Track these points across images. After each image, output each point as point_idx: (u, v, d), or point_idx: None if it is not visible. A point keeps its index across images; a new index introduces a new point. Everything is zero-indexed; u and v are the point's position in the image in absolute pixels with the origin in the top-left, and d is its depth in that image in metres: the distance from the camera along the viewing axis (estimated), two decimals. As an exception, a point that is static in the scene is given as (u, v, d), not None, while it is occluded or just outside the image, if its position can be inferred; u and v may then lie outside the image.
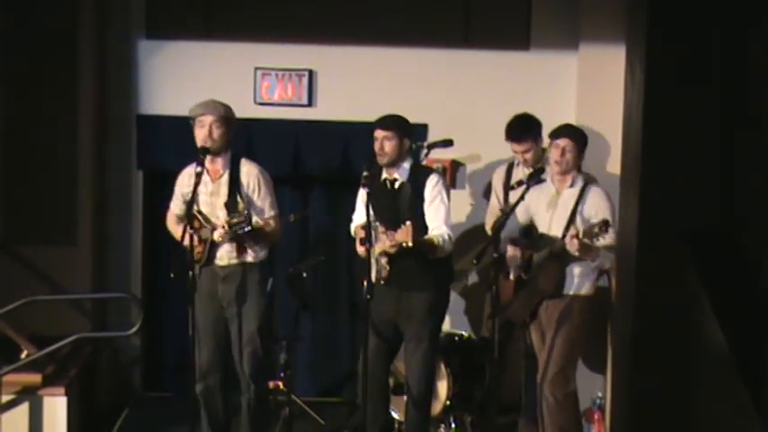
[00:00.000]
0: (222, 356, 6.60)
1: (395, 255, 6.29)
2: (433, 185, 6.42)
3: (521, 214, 6.59)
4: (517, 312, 6.53)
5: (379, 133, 6.40)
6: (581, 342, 6.49)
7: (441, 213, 6.39)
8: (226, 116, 6.38)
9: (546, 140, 6.85)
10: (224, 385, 6.64)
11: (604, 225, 6.14)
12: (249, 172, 6.48)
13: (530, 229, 6.55)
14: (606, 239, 6.26)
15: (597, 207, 6.40)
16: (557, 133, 6.56)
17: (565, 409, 6.49)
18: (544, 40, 7.69)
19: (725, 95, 5.74)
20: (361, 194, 6.59)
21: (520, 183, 7.05)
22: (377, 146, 6.40)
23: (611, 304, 6.71)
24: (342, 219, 6.91)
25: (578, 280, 6.46)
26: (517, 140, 7.08)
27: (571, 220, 6.40)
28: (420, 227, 6.26)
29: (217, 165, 6.48)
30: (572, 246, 6.27)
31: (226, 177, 6.48)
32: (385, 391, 6.66)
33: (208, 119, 6.37)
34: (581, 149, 6.51)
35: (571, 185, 6.48)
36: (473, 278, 7.86)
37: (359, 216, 6.63)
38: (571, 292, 6.45)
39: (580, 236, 6.19)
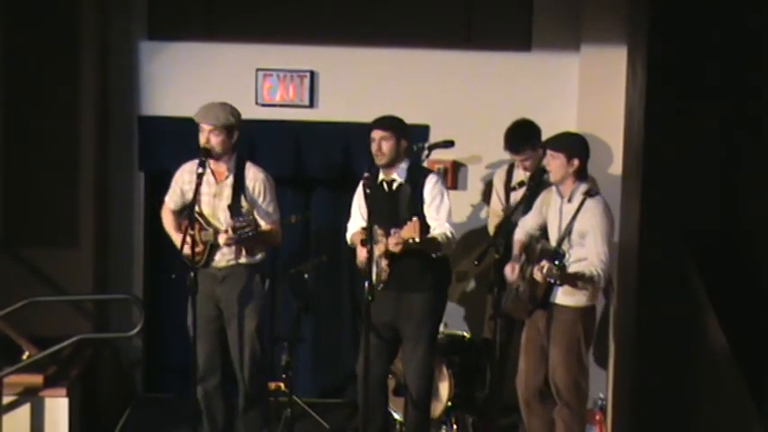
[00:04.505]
0: (219, 358, 6.60)
1: (397, 255, 6.28)
2: (432, 185, 6.42)
3: (534, 214, 6.54)
4: (515, 308, 6.49)
5: (376, 134, 6.41)
6: (585, 351, 6.40)
7: (442, 212, 6.39)
8: (224, 124, 6.37)
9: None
10: (223, 387, 6.64)
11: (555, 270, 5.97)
12: (255, 177, 6.49)
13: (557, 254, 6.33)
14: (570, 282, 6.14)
15: (589, 224, 6.19)
16: (543, 144, 6.49)
17: (580, 416, 6.45)
18: (546, 41, 7.68)
19: (725, 96, 5.74)
20: (357, 199, 6.61)
21: (521, 184, 7.05)
22: (374, 147, 6.40)
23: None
24: (343, 220, 6.91)
25: (571, 291, 6.27)
26: (515, 151, 7.08)
27: (563, 238, 6.28)
28: (422, 227, 6.26)
29: (221, 167, 6.49)
30: (536, 276, 6.11)
31: (230, 180, 6.48)
32: (383, 392, 6.66)
33: (206, 127, 6.39)
34: (569, 159, 6.24)
35: (570, 200, 6.31)
36: (473, 279, 7.87)
37: (354, 224, 6.64)
38: (567, 303, 6.30)
39: (544, 271, 5.98)
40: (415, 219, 6.12)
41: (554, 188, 6.40)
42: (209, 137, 6.38)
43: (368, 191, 6.30)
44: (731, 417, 4.91)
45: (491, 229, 7.29)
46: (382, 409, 6.65)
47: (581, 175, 6.33)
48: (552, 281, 6.06)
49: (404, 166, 6.47)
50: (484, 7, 7.68)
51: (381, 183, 6.49)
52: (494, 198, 7.43)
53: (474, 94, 7.77)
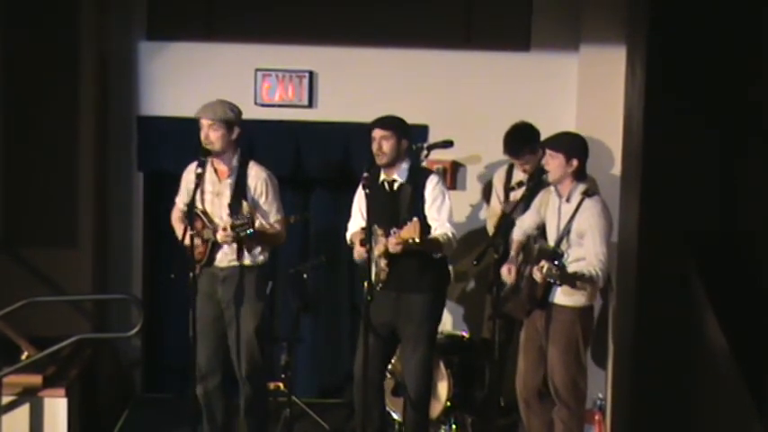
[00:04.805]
0: (220, 358, 6.60)
1: (397, 255, 6.28)
2: (433, 186, 6.42)
3: (533, 214, 6.54)
4: (514, 308, 6.49)
5: (377, 133, 6.41)
6: (583, 351, 6.40)
7: (443, 212, 6.40)
8: (223, 119, 6.38)
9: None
10: (223, 387, 6.64)
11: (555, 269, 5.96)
12: (257, 175, 6.49)
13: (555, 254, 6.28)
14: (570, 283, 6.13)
15: (587, 224, 6.20)
16: (542, 143, 6.49)
17: (578, 416, 6.46)
18: (545, 41, 7.69)
19: (725, 96, 5.74)
20: (357, 199, 6.60)
21: (520, 184, 7.05)
22: (375, 146, 6.40)
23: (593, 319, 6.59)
24: (342, 220, 6.91)
25: (570, 292, 6.27)
26: (515, 155, 7.09)
27: (562, 238, 6.27)
28: (423, 228, 6.26)
29: (224, 165, 6.49)
30: (535, 276, 6.10)
31: (232, 179, 6.48)
32: (380, 392, 6.66)
33: (205, 122, 6.40)
34: (568, 159, 6.25)
35: (568, 200, 6.31)
36: (472, 279, 7.87)
37: (354, 223, 6.64)
38: (565, 303, 6.30)
39: (543, 271, 5.98)
40: (415, 219, 6.12)
41: (552, 188, 6.40)
42: (208, 132, 6.39)
43: (367, 191, 6.30)
44: (731, 417, 4.90)
45: (490, 229, 7.30)
46: (379, 408, 6.65)
47: (580, 175, 6.32)
48: (552, 281, 6.05)
49: (405, 166, 6.47)
50: (483, 7, 7.69)
51: (382, 183, 6.49)
52: (493, 198, 7.44)
53: (473, 94, 7.77)
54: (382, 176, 6.49)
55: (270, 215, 6.52)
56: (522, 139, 7.09)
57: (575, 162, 6.27)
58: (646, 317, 6.04)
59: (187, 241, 6.25)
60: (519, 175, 7.18)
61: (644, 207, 5.98)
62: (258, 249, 6.52)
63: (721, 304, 5.14)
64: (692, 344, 5.61)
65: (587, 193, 6.26)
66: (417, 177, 6.46)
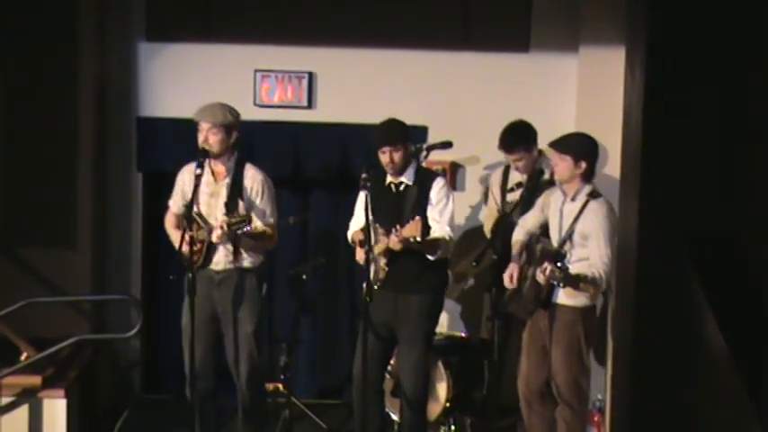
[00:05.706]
0: (213, 360, 6.60)
1: (396, 254, 6.28)
2: (439, 188, 6.45)
3: (536, 213, 6.53)
4: (518, 309, 6.49)
5: (386, 149, 6.41)
6: (586, 351, 6.41)
7: (445, 215, 6.41)
8: (223, 123, 6.38)
9: (542, 145, 6.85)
10: (216, 390, 6.64)
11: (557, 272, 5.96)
12: (254, 177, 6.49)
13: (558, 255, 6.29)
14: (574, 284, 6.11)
15: (592, 225, 6.20)
16: (551, 144, 6.49)
17: (581, 416, 6.46)
18: (544, 42, 7.69)
19: (725, 97, 5.74)
20: (361, 199, 6.60)
21: (519, 185, 7.05)
22: (385, 159, 6.40)
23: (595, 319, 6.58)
24: (342, 221, 6.92)
25: (573, 293, 6.25)
26: (509, 150, 7.09)
27: (565, 239, 6.27)
28: (423, 228, 6.27)
29: (221, 167, 6.49)
30: (539, 278, 6.13)
31: (229, 180, 6.48)
32: (380, 393, 6.66)
33: (205, 125, 6.40)
34: (577, 161, 6.25)
35: (573, 199, 6.31)
36: (471, 280, 7.87)
37: (357, 222, 6.64)
38: (568, 304, 6.30)
39: (546, 273, 5.98)
40: (417, 218, 6.14)
41: (557, 186, 6.40)
42: (207, 135, 6.40)
43: (366, 192, 6.30)
44: (730, 418, 4.91)
45: (487, 231, 7.30)
46: (378, 409, 6.66)
47: (588, 176, 6.32)
48: (555, 283, 6.04)
49: (411, 170, 6.50)
50: (482, 8, 7.69)
51: (389, 184, 6.50)
52: (490, 199, 7.44)
53: (472, 95, 7.78)
54: (389, 179, 6.50)
55: (264, 217, 6.51)
56: (517, 136, 7.09)
57: (583, 164, 6.26)
58: (645, 317, 6.04)
59: (185, 246, 6.26)
60: (515, 177, 7.18)
61: (643, 207, 5.98)
62: (252, 251, 6.51)
63: (720, 305, 5.15)
64: (691, 344, 5.61)
65: (593, 195, 6.26)
66: (423, 179, 6.48)
